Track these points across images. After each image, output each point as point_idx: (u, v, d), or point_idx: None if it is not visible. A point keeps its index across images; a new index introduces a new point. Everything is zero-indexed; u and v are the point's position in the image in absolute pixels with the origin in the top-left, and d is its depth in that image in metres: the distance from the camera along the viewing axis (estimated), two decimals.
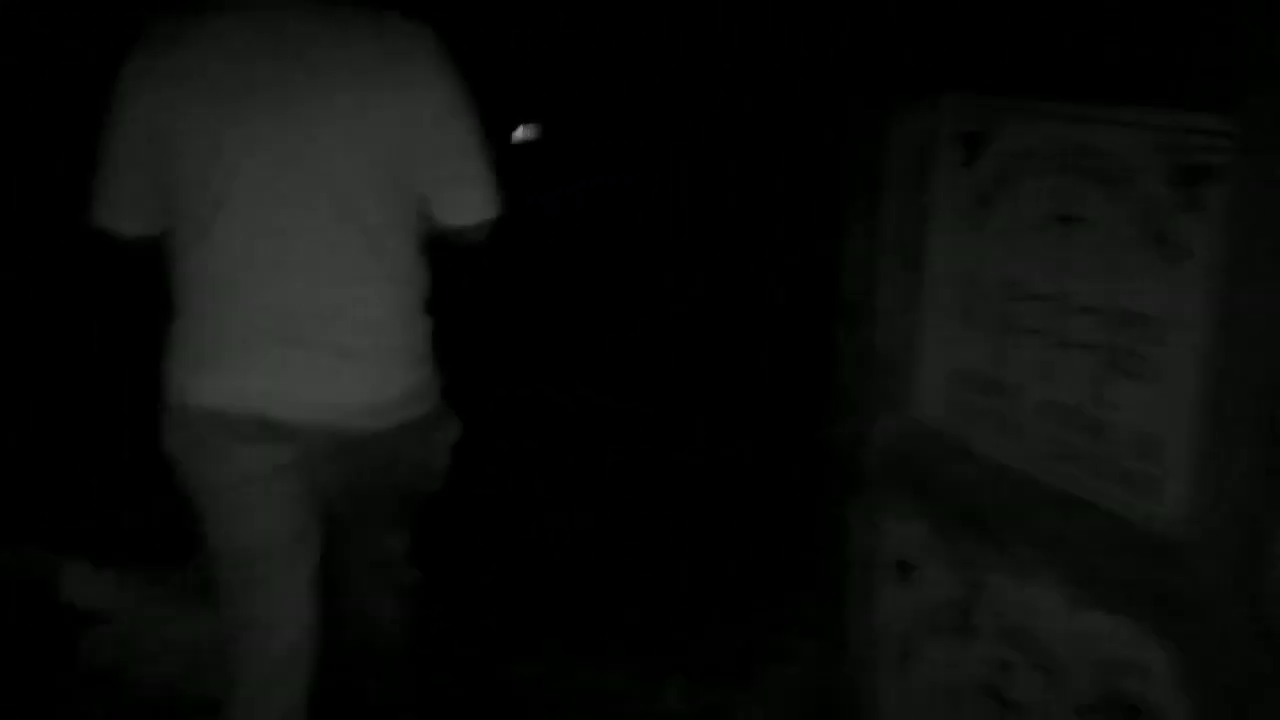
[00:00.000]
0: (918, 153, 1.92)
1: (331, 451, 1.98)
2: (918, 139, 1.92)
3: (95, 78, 1.89)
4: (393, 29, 1.92)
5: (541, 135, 3.83)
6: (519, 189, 2.09)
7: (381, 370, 1.94)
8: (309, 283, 1.88)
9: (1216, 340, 1.45)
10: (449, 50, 1.94)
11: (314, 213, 1.86)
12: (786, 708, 2.56)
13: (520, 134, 3.84)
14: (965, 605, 1.84)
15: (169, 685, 2.82)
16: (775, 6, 2.38)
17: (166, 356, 2.00)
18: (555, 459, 3.32)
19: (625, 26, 3.23)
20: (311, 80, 1.87)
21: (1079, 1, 1.61)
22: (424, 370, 2.01)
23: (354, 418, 1.94)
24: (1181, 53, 1.45)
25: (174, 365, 1.99)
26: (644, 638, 2.85)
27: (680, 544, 3.08)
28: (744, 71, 2.96)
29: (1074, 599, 1.67)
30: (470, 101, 1.94)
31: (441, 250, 2.05)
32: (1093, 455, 1.65)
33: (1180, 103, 1.48)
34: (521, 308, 3.47)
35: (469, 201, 1.95)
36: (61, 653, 2.94)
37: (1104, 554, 1.64)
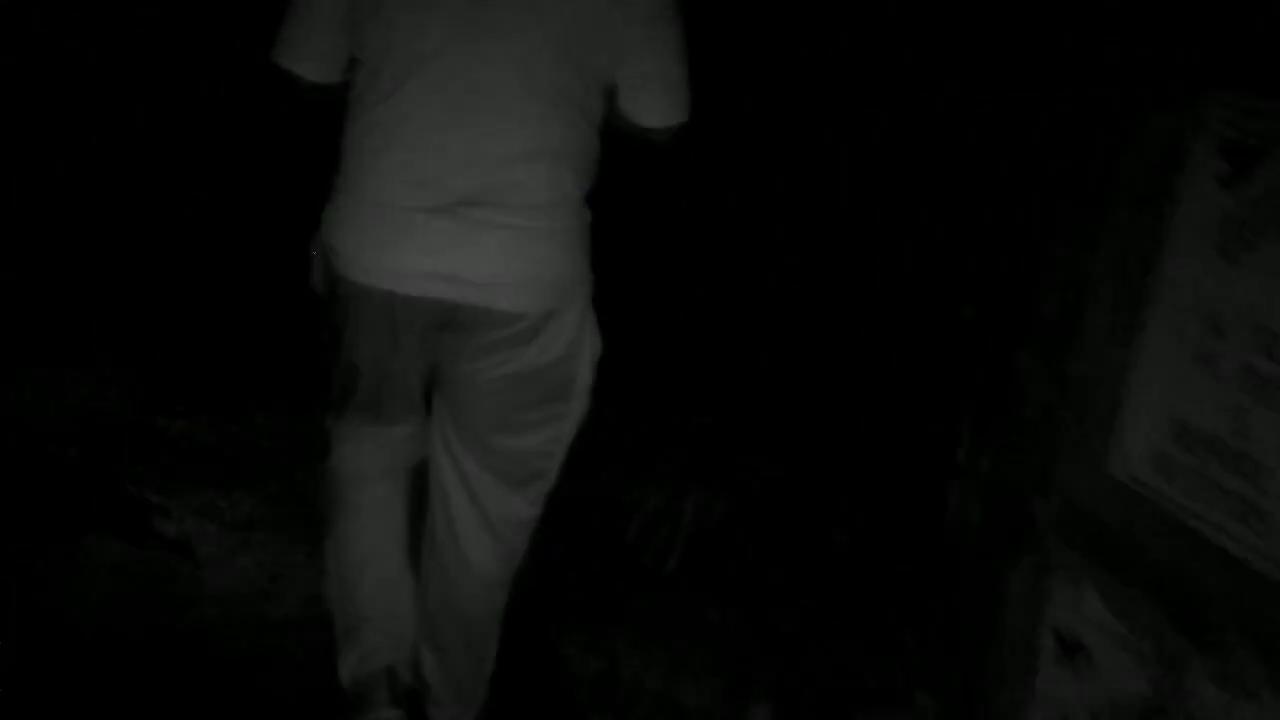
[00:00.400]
0: (1162, 159, 1.59)
1: (476, 330, 1.95)
2: (1163, 143, 1.59)
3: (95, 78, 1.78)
4: None
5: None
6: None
7: (542, 251, 1.93)
8: (490, 154, 1.87)
9: None
10: None
11: (506, 87, 1.85)
12: None
13: None
14: (1155, 709, 1.54)
15: (202, 633, 2.60)
16: None
17: (326, 206, 2.00)
18: (648, 438, 3.07)
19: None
20: None
21: None
22: (580, 263, 1.99)
23: (506, 293, 1.91)
24: None
25: (329, 221, 1.99)
26: (727, 649, 2.58)
27: (780, 554, 2.80)
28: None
29: None
30: (680, 5, 1.91)
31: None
32: None
33: None
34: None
35: (665, 103, 1.94)
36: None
37: None
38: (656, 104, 1.93)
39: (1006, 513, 1.76)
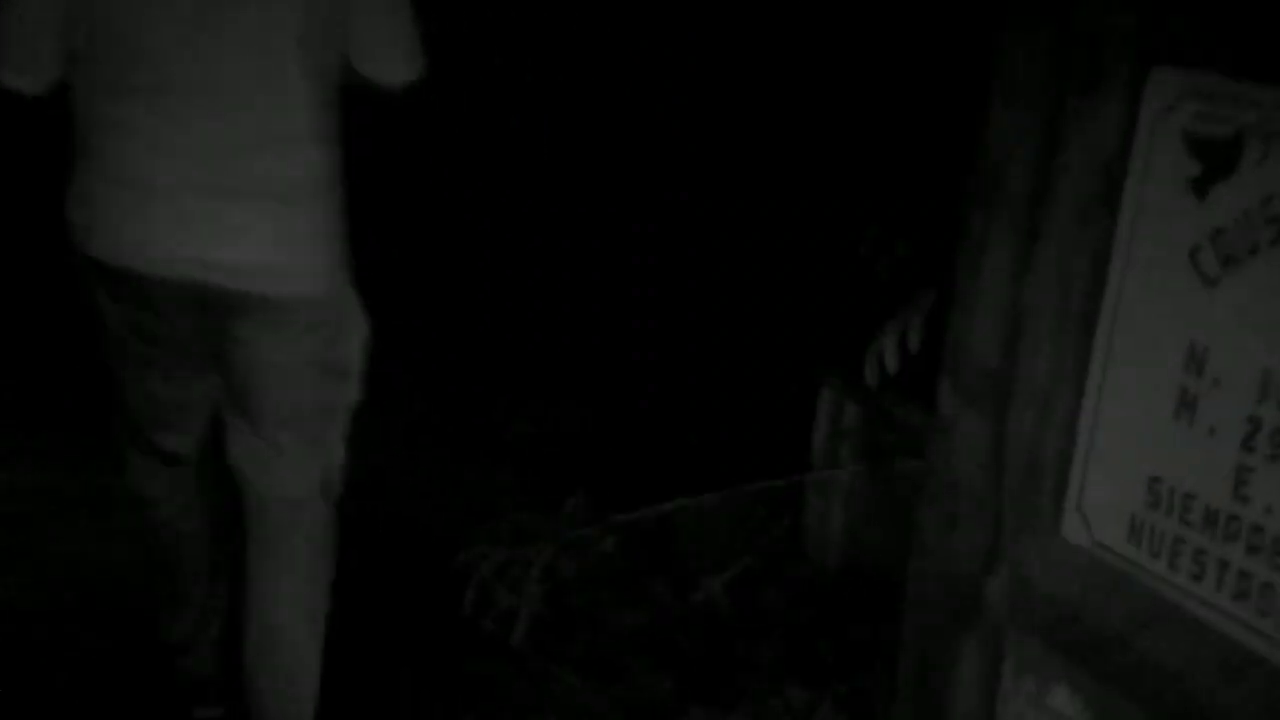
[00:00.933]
0: (1109, 157, 1.30)
1: (221, 315, 1.93)
2: (1110, 135, 1.30)
3: None
4: None
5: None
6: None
7: (283, 234, 1.94)
8: (223, 138, 1.88)
9: None
10: None
11: (246, 73, 1.87)
12: None
13: None
14: None
15: None
16: None
17: (67, 199, 1.97)
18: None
19: None
20: None
21: None
22: (330, 245, 1.99)
23: (248, 277, 1.90)
24: None
25: (74, 203, 1.98)
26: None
27: (643, 607, 2.45)
28: None
29: None
30: None
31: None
32: None
33: None
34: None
35: (397, 61, 2.00)
36: None
37: None
38: (393, 61, 1.99)
39: (955, 590, 1.46)
